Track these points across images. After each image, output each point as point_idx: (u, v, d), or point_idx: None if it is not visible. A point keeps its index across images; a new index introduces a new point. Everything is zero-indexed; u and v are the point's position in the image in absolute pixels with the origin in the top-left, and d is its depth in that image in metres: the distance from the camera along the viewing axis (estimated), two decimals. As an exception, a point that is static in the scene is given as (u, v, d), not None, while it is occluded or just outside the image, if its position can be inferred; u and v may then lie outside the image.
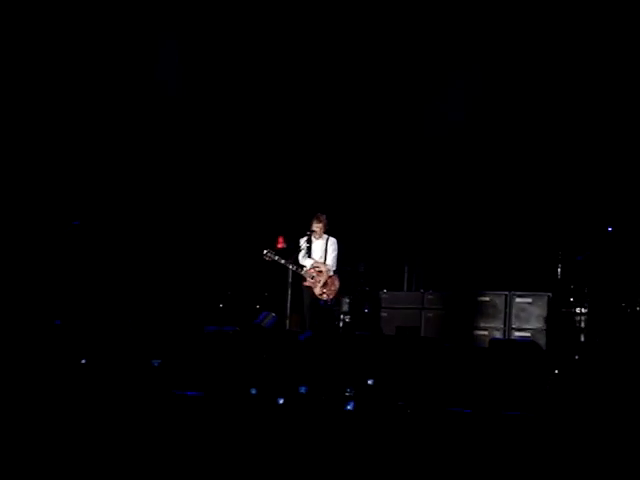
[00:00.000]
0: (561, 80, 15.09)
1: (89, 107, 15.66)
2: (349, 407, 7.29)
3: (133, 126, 16.02)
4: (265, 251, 12.99)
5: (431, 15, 15.75)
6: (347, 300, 15.04)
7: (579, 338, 13.24)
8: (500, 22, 15.35)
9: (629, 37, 14.45)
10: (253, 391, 7.81)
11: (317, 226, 13.14)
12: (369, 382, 7.67)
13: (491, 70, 15.45)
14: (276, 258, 13.01)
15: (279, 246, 13.43)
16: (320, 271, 13.07)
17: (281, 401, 7.77)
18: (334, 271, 13.15)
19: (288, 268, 13.25)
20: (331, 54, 16.31)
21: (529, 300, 13.91)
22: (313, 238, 13.21)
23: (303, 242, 13.20)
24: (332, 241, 13.29)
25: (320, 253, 13.19)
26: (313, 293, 13.05)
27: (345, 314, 15.00)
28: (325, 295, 13.04)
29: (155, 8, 16.10)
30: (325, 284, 13.06)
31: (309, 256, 13.14)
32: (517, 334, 13.76)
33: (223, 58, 16.54)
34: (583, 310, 13.36)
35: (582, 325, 13.34)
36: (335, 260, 13.24)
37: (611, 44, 14.56)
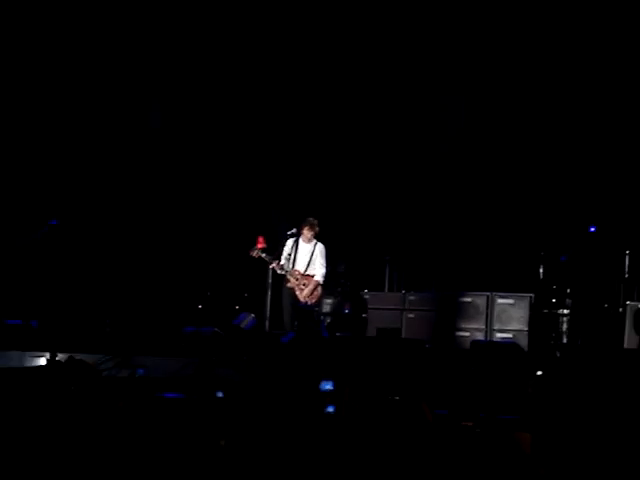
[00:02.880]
0: (542, 87, 15.13)
1: (69, 105, 15.61)
2: (330, 409, 7.17)
3: (113, 125, 15.92)
4: (252, 248, 13.01)
5: (432, 20, 15.74)
6: (328, 301, 14.96)
7: (561, 339, 13.21)
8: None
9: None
10: (219, 394, 7.67)
11: (309, 232, 13.08)
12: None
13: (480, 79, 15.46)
14: (263, 255, 13.00)
15: (259, 246, 13.32)
16: (308, 276, 13.05)
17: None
18: (321, 278, 13.15)
19: (272, 267, 13.17)
20: (320, 57, 16.25)
21: (511, 301, 13.84)
22: (301, 241, 13.13)
23: (289, 244, 13.15)
24: (320, 247, 13.24)
25: (306, 258, 13.14)
26: (294, 294, 13.01)
27: (326, 315, 14.92)
28: (308, 299, 13.02)
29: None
30: (309, 289, 13.04)
31: (294, 259, 13.06)
32: (499, 335, 13.71)
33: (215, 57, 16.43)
34: (565, 311, 13.34)
35: (564, 326, 13.31)
36: (324, 267, 13.21)
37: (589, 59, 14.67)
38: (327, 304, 14.93)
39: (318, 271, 13.16)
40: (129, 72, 16.03)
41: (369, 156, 16.39)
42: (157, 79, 16.18)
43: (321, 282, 13.20)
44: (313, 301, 13.12)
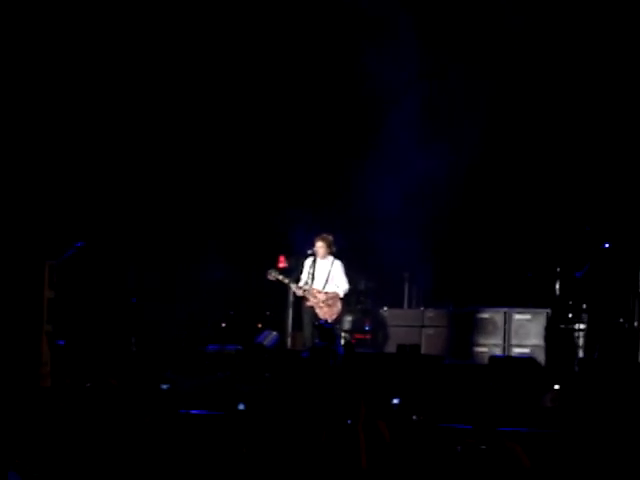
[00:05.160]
0: (558, 101, 15.27)
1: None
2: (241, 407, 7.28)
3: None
4: (269, 270, 13.19)
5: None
6: (349, 318, 15.17)
7: (577, 354, 13.37)
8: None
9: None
10: (241, 406, 7.87)
11: (320, 246, 13.19)
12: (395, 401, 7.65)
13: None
14: (280, 277, 13.16)
15: (280, 265, 13.56)
16: (327, 293, 13.19)
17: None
18: (343, 294, 13.33)
19: (290, 287, 13.37)
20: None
21: (528, 317, 14.03)
22: (318, 259, 13.22)
23: (307, 263, 13.33)
24: (337, 264, 13.33)
25: (323, 275, 13.26)
26: (315, 312, 13.18)
27: (347, 332, 15.12)
28: (327, 316, 13.15)
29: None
30: (329, 306, 13.19)
31: (313, 277, 13.24)
32: (516, 350, 13.88)
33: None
34: (581, 326, 13.49)
35: (580, 341, 13.47)
36: (345, 283, 13.35)
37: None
38: (347, 321, 15.15)
39: (340, 287, 13.31)
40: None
41: (383, 174, 16.43)
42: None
43: (341, 296, 13.35)
44: (333, 317, 13.26)
